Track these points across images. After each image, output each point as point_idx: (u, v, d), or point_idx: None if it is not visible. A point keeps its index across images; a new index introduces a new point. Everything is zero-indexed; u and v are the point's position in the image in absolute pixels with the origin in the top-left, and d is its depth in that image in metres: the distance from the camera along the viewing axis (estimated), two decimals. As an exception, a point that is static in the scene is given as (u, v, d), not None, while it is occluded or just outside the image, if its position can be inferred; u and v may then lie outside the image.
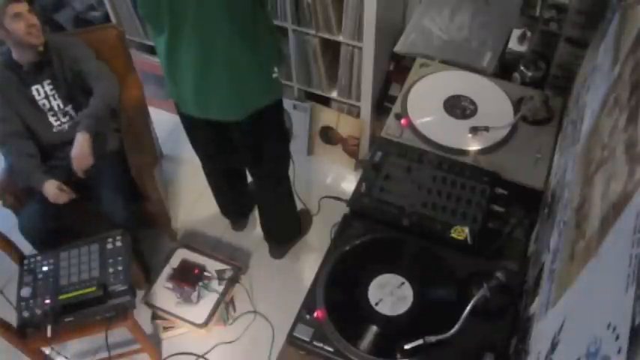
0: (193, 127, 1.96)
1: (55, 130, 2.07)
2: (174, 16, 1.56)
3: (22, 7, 1.87)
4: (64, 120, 2.08)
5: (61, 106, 2.06)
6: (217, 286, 2.16)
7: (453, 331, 1.17)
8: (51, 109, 2.05)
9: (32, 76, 2.00)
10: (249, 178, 2.31)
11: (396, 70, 2.40)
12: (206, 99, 1.75)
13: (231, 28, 1.57)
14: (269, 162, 2.06)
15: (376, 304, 1.27)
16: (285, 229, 2.40)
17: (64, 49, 2.06)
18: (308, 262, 2.41)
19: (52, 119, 2.06)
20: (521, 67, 1.79)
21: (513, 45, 1.88)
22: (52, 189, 1.95)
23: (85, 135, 1.96)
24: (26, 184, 2.02)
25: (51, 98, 2.04)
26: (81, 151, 1.95)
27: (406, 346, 1.18)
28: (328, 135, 2.70)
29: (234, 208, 2.50)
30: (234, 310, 2.27)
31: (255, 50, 1.67)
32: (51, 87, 2.03)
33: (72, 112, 2.08)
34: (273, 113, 1.88)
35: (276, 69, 1.77)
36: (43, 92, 2.03)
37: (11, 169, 2.05)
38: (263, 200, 2.29)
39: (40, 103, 2.03)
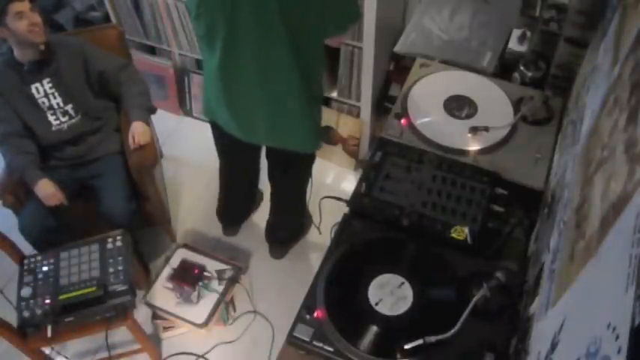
0: (227, 141, 1.93)
1: (53, 128, 2.07)
2: (230, 41, 1.53)
3: (24, 6, 1.87)
4: (63, 119, 2.08)
5: (61, 104, 2.06)
6: (217, 286, 2.16)
7: (453, 331, 1.17)
8: (50, 107, 2.05)
9: (32, 75, 2.01)
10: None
11: (396, 70, 2.40)
12: (255, 126, 1.76)
13: (292, 64, 1.55)
14: (296, 169, 2.10)
15: (376, 304, 1.27)
16: (289, 228, 2.40)
17: (71, 49, 2.06)
18: (308, 262, 2.41)
19: (51, 118, 2.06)
20: (521, 67, 1.79)
21: (513, 45, 1.89)
22: (45, 188, 1.95)
23: (142, 122, 2.07)
24: (21, 179, 2.01)
25: (50, 97, 2.04)
26: (140, 130, 2.05)
27: (406, 346, 1.18)
28: (328, 135, 2.70)
29: (234, 214, 2.49)
30: (234, 310, 2.27)
31: (310, 90, 1.67)
32: (50, 85, 2.03)
33: (72, 112, 2.08)
34: None
35: (317, 111, 1.81)
36: (42, 90, 2.03)
37: (7, 167, 2.04)
38: (280, 204, 2.30)
39: (40, 101, 2.03)
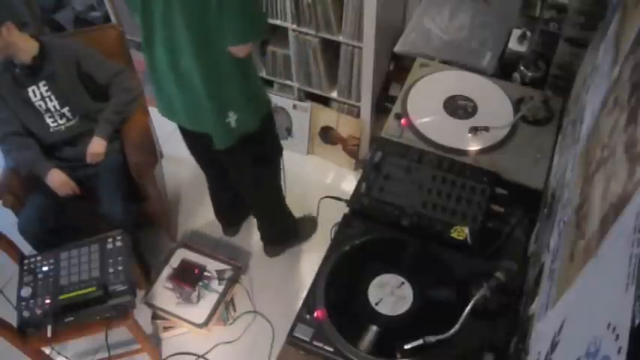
0: (181, 130, 1.94)
1: (51, 130, 2.07)
2: (145, 17, 1.56)
3: None
4: (60, 122, 2.08)
5: (58, 107, 2.06)
6: (217, 286, 2.16)
7: (453, 331, 1.17)
8: (47, 110, 2.05)
9: (28, 78, 2.00)
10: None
11: (396, 70, 2.40)
12: (170, 104, 1.75)
13: (192, 48, 1.54)
14: (246, 184, 2.05)
15: (376, 304, 1.27)
16: (274, 230, 2.40)
17: (65, 52, 2.06)
18: (308, 262, 2.41)
19: (48, 120, 2.06)
20: (521, 67, 1.79)
21: (513, 45, 1.88)
22: (57, 178, 1.97)
23: (101, 139, 2.09)
24: (31, 173, 2.02)
25: (47, 100, 2.04)
26: (97, 151, 2.08)
27: (406, 346, 1.18)
28: (328, 135, 2.70)
29: (227, 213, 2.49)
30: (234, 310, 2.27)
31: (213, 81, 1.62)
32: (46, 88, 2.03)
33: (68, 115, 2.09)
34: (248, 142, 1.80)
35: (232, 115, 1.69)
36: (39, 93, 2.03)
37: (14, 163, 2.05)
38: (250, 206, 2.32)
39: (37, 104, 2.03)
